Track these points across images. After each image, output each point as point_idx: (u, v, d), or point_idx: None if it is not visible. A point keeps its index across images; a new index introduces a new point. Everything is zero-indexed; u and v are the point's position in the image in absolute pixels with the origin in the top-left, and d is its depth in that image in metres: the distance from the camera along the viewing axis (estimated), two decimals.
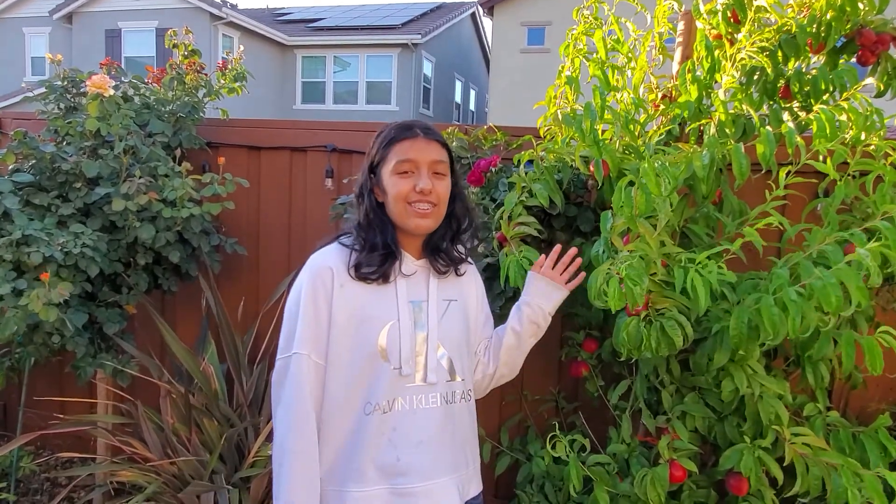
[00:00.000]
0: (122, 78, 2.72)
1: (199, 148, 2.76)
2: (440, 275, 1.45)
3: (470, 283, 1.54)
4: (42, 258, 2.07)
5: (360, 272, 1.34)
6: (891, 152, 1.78)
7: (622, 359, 1.80)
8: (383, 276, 1.35)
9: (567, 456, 1.91)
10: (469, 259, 1.56)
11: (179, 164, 2.48)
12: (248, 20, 16.28)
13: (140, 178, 2.31)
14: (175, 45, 2.74)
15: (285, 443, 1.32)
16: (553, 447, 1.93)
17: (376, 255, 1.35)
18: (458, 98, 20.57)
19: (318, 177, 2.81)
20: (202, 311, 2.85)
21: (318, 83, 18.10)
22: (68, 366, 2.49)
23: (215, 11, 15.43)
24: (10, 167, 2.35)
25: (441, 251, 1.46)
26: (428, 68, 18.11)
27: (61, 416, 2.65)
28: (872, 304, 1.92)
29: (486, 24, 18.77)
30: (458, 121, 20.48)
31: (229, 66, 2.80)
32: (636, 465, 1.94)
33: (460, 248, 1.52)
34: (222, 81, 2.80)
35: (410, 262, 1.42)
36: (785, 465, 1.71)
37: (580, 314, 2.24)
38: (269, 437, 2.35)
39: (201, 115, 2.79)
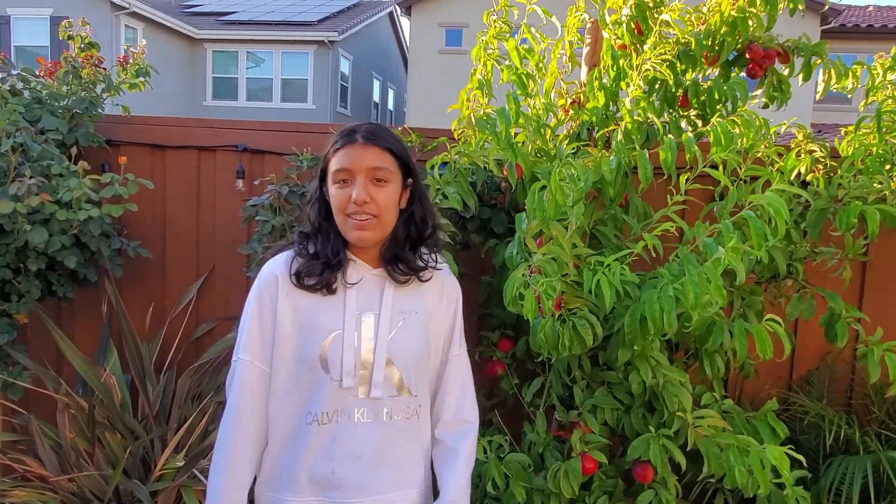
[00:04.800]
0: (10, 70, 2.53)
1: (97, 146, 2.61)
2: (399, 284, 1.35)
3: (434, 290, 1.41)
4: None
5: (301, 281, 1.30)
6: (776, 159, 1.92)
7: (539, 359, 1.85)
8: (326, 286, 1.30)
9: (486, 456, 1.95)
10: (439, 265, 1.42)
11: (75, 163, 2.33)
12: (153, 11, 15.47)
13: (31, 177, 2.16)
14: (70, 37, 2.57)
15: (221, 446, 1.32)
16: None
17: (318, 265, 1.31)
18: (376, 97, 20.41)
19: (228, 177, 2.71)
20: (103, 319, 2.70)
21: (230, 79, 17.45)
22: None
23: (117, 0, 14.59)
24: None
25: (400, 259, 1.35)
26: (345, 66, 17.86)
27: None
28: (761, 299, 2.07)
29: (405, 23, 18.76)
30: (377, 120, 20.34)
31: (130, 61, 2.65)
32: (550, 460, 2.00)
33: (425, 253, 1.39)
34: (123, 76, 2.65)
35: (363, 271, 1.34)
36: (689, 449, 1.81)
37: (495, 314, 2.29)
38: (177, 449, 2.27)
39: (100, 111, 2.63)
